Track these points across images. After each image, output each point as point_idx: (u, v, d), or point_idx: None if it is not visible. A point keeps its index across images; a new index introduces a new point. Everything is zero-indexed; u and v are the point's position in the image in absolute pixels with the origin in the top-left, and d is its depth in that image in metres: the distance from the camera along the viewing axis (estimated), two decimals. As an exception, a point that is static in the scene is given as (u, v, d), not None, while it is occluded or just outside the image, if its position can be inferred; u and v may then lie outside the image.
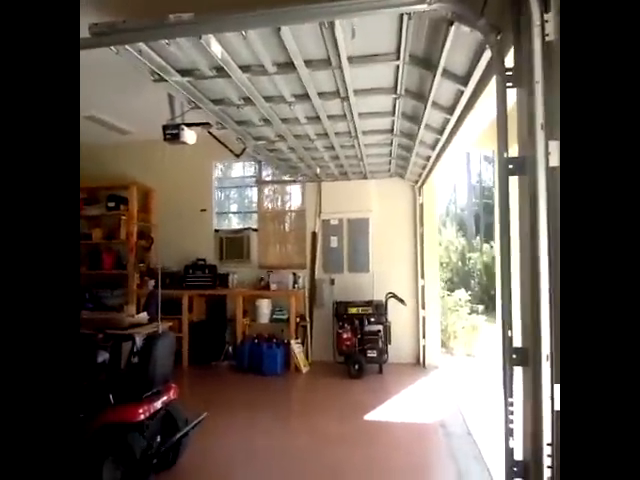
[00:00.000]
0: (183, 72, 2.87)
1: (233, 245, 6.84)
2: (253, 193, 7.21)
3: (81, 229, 6.91)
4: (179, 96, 3.34)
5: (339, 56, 2.47)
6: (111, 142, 6.98)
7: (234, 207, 7.27)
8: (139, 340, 4.85)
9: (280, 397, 5.15)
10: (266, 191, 6.95)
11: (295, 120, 3.82)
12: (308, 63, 2.69)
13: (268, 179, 6.94)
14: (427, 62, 2.54)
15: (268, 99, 3.33)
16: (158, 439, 3.16)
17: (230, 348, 6.41)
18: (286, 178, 6.69)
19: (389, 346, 5.86)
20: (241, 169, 7.37)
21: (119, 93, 5.03)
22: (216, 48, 2.42)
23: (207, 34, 2.22)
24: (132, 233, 6.51)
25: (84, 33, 2.25)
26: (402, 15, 2.00)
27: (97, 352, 3.42)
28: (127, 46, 2.32)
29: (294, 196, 6.86)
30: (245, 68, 2.82)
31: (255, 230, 6.88)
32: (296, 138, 4.36)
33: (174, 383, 3.40)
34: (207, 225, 6.95)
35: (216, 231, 6.97)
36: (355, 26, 2.08)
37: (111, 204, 6.67)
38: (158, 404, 3.07)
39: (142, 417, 2.91)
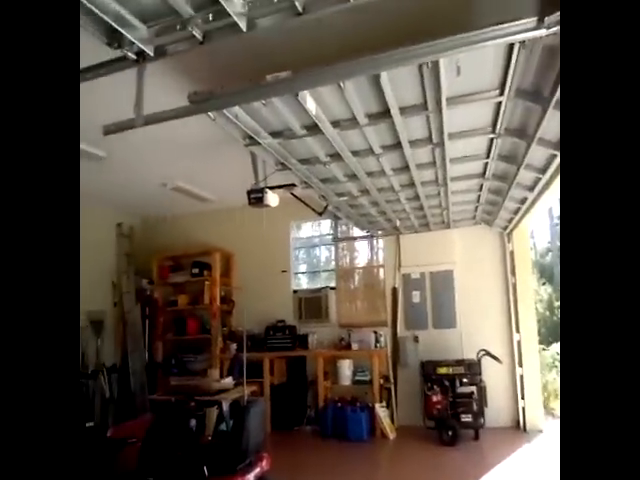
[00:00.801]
0: (274, 134, 2.92)
1: (312, 305, 6.72)
2: (330, 251, 7.17)
3: (168, 296, 7.17)
4: (269, 158, 3.41)
5: (439, 98, 2.38)
6: (194, 211, 7.35)
7: (306, 267, 7.23)
8: (225, 406, 4.74)
9: (369, 467, 4.71)
10: (343, 248, 6.88)
11: (380, 173, 3.76)
12: (402, 110, 2.63)
13: (344, 236, 6.89)
14: (536, 94, 2.38)
15: (355, 153, 3.31)
16: (254, 517, 2.92)
17: (312, 412, 6.11)
18: (364, 234, 6.60)
19: (485, 409, 5.28)
20: (311, 228, 7.40)
21: (202, 164, 5.31)
22: (311, 105, 2.44)
23: (305, 90, 2.24)
24: (215, 298, 6.62)
25: (182, 102, 2.36)
26: (512, 45, 1.89)
27: (189, 420, 3.31)
28: (225, 111, 2.38)
29: (372, 251, 6.71)
30: (336, 123, 2.82)
31: (333, 288, 6.75)
32: (379, 191, 4.29)
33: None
34: (286, 286, 6.94)
35: (294, 292, 6.92)
36: (459, 63, 1.99)
37: (195, 270, 6.88)
38: (252, 476, 2.86)
39: (239, 493, 2.71)
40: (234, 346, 6.41)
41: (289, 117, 2.64)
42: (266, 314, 6.77)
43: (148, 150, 4.78)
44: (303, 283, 7.09)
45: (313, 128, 2.83)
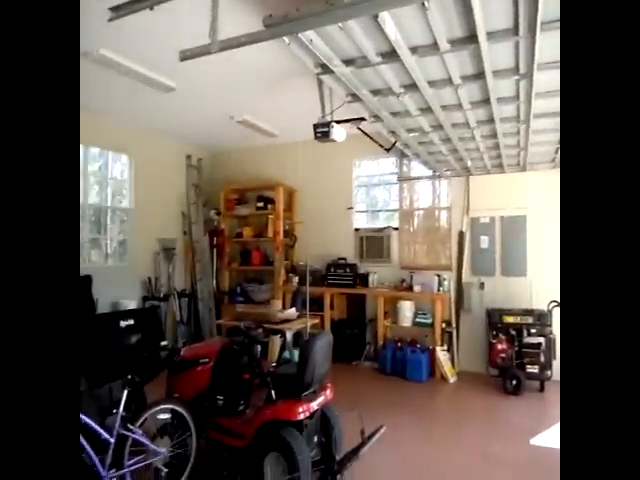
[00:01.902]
0: (347, 62, 2.74)
1: (373, 244, 6.70)
2: (389, 192, 6.96)
3: (234, 228, 7.42)
4: (339, 89, 3.24)
5: (532, 21, 2.09)
6: (260, 145, 7.36)
7: (372, 205, 7.09)
8: (289, 335, 4.96)
9: (430, 407, 4.82)
10: (406, 188, 6.66)
11: (457, 106, 3.48)
12: (490, 35, 2.35)
13: (407, 176, 6.64)
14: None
15: (432, 84, 3.06)
16: (315, 439, 3.11)
17: (371, 349, 6.27)
18: (429, 174, 6.32)
19: (553, 361, 5.14)
20: (372, 167, 7.15)
21: (269, 97, 5.19)
22: (390, 28, 2.23)
23: (385, 10, 2.03)
24: (278, 231, 6.75)
25: (257, 27, 2.25)
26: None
27: (256, 346, 3.49)
28: (299, 35, 2.24)
29: (439, 192, 6.44)
30: (414, 50, 2.59)
31: (396, 229, 6.63)
32: (453, 127, 4.00)
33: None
34: (347, 224, 6.91)
35: (356, 230, 6.89)
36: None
37: (260, 204, 7.01)
38: (316, 404, 3.00)
39: (302, 416, 2.87)
40: (296, 279, 6.60)
41: (365, 42, 2.45)
42: (327, 251, 6.85)
43: (216, 83, 4.73)
44: (373, 222, 7.02)
45: (389, 55, 2.62)
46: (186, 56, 2.26)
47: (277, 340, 5.18)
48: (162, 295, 6.66)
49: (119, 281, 6.17)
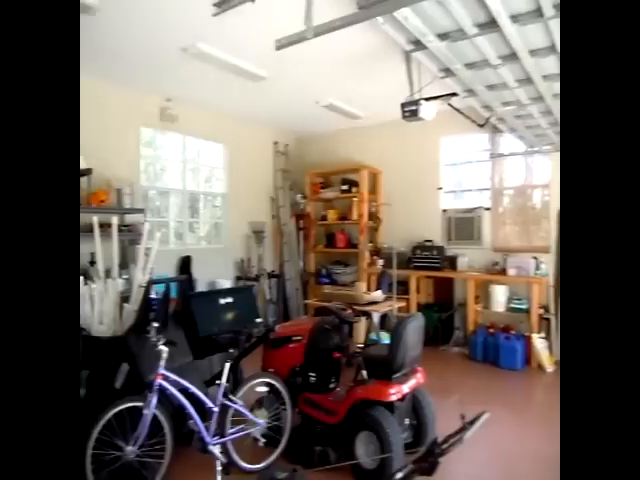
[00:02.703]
0: (441, 36, 2.63)
1: (462, 225, 6.44)
2: (482, 169, 6.60)
3: (319, 211, 7.55)
4: (432, 65, 3.13)
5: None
6: (343, 128, 7.36)
7: (458, 185, 6.79)
8: (376, 317, 4.98)
9: (526, 397, 4.60)
10: (500, 165, 6.27)
11: (559, 76, 3.19)
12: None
13: (501, 152, 6.24)
14: None
15: (534, 53, 2.84)
16: (407, 422, 3.12)
17: (461, 334, 6.10)
18: (523, 150, 5.90)
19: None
20: (460, 145, 6.80)
21: (354, 80, 5.15)
22: (491, -4, 2.09)
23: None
24: (363, 214, 6.75)
25: (350, 9, 2.23)
26: None
27: (345, 326, 3.56)
28: (395, 13, 2.19)
29: (536, 170, 5.99)
30: (515, 18, 2.41)
31: (487, 209, 6.31)
32: (555, 97, 3.69)
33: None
34: (434, 204, 6.71)
35: (444, 211, 6.67)
36: None
37: (344, 187, 7.04)
38: (407, 387, 3.00)
39: (393, 398, 2.89)
40: (380, 262, 6.58)
41: (462, 14, 2.33)
42: (413, 232, 6.72)
43: (304, 69, 4.78)
44: (450, 203, 6.75)
45: (487, 25, 2.46)
46: (282, 45, 2.31)
47: (363, 322, 5.23)
48: (253, 275, 7.00)
49: (215, 262, 6.59)
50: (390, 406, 2.93)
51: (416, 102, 4.09)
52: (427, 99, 4.12)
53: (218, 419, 2.87)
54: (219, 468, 2.78)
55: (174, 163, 6.33)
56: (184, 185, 6.41)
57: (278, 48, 2.34)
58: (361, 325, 5.26)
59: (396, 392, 2.90)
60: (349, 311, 3.64)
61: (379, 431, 2.80)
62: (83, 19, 3.52)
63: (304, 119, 6.98)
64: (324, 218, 7.37)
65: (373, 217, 7.02)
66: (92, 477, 2.55)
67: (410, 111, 4.17)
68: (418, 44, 2.68)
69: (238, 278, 6.94)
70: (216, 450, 2.81)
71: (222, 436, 2.89)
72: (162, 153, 6.21)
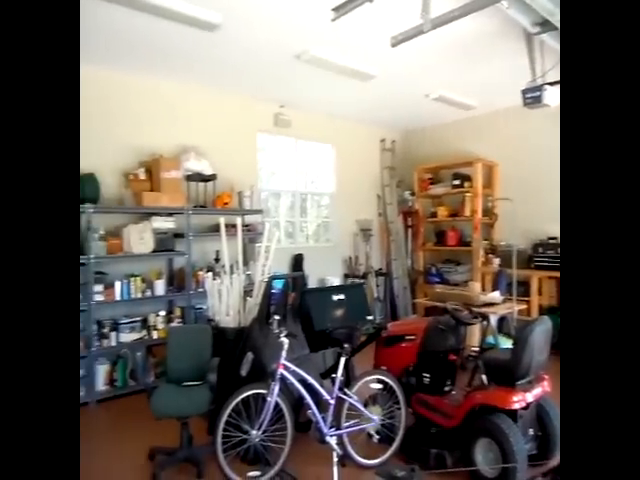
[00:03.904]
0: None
1: (592, 221, 5.79)
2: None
3: (428, 208, 7.36)
4: (559, 45, 2.87)
5: None
6: (454, 120, 7.08)
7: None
8: (493, 320, 4.71)
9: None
10: None
11: None
12: None
13: None
14: None
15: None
16: (531, 432, 2.91)
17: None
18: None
19: None
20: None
21: (467, 69, 4.91)
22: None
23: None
24: (476, 210, 6.42)
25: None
26: None
27: (462, 328, 3.42)
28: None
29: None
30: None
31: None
32: None
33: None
34: (558, 199, 6.13)
35: (570, 205, 6.05)
36: None
37: (455, 182, 6.76)
38: (532, 395, 2.80)
39: (517, 406, 2.71)
40: (497, 260, 6.20)
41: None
42: (533, 229, 6.22)
43: (413, 63, 4.69)
44: None
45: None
46: (397, 41, 2.30)
47: (478, 324, 4.97)
48: (361, 273, 7.06)
49: (323, 259, 6.78)
50: (513, 414, 2.75)
51: (539, 87, 3.82)
52: (551, 84, 3.81)
53: (334, 411, 2.96)
54: (335, 459, 2.87)
55: (284, 165, 6.63)
56: (293, 186, 6.68)
57: (394, 45, 2.33)
58: (475, 328, 5.01)
59: (520, 400, 2.72)
60: (465, 312, 3.49)
61: (501, 439, 2.65)
62: (205, 35, 3.86)
63: (412, 114, 6.85)
64: (434, 215, 7.16)
65: (488, 213, 6.63)
66: (222, 455, 2.80)
67: (532, 97, 3.90)
68: (544, 25, 2.48)
69: (346, 276, 7.05)
70: (333, 441, 2.90)
71: (338, 428, 2.97)
72: (273, 156, 6.54)
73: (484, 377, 2.89)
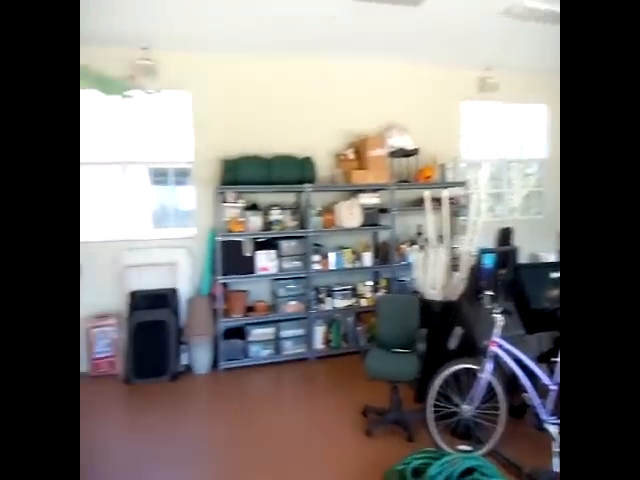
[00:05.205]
0: None
1: None
2: None
3: None
4: None
5: None
6: None
7: None
8: None
9: None
10: None
11: None
12: None
13: None
14: None
15: None
16: None
17: None
18: None
19: None
20: None
21: None
22: None
23: None
24: None
25: None
26: None
27: None
28: None
29: None
30: None
31: None
32: None
33: None
34: None
35: None
36: None
37: None
38: None
39: None
40: None
41: None
42: None
43: None
44: None
45: None
46: None
47: None
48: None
49: (533, 234, 6.16)
50: None
51: None
52: None
53: (556, 398, 2.73)
54: (556, 450, 2.66)
55: (487, 133, 6.19)
56: (497, 154, 6.20)
57: None
58: None
59: None
60: None
61: None
62: (409, 10, 3.84)
63: None
64: None
65: None
66: (434, 424, 2.89)
67: None
68: None
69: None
70: (553, 430, 2.69)
71: (559, 417, 2.74)
72: (476, 124, 6.16)
73: None
